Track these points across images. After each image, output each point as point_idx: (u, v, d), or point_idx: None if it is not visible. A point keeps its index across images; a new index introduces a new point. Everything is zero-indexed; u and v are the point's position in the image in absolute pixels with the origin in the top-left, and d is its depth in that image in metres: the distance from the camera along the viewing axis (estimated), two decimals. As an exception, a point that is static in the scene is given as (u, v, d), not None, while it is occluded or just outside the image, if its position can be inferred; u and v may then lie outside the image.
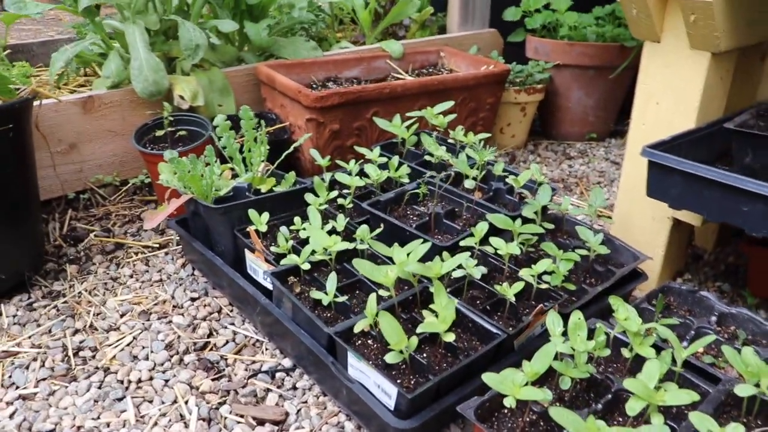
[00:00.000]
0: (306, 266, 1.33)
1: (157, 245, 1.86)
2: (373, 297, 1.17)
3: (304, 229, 1.44)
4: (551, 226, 1.54)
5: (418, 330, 1.12)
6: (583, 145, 2.74)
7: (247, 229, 1.48)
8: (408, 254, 1.20)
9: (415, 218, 1.58)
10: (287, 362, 1.40)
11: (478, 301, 1.33)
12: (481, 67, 2.38)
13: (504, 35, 2.93)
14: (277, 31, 2.47)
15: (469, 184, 1.67)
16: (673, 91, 1.57)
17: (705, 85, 1.52)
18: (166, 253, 1.83)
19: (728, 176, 1.25)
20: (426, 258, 1.28)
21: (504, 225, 1.44)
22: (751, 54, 1.74)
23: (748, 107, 1.62)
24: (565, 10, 2.69)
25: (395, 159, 1.71)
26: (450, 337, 1.10)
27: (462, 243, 1.39)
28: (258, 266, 1.44)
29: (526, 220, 1.52)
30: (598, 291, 1.41)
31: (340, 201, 1.60)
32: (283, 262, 1.35)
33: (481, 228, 1.39)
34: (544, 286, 1.32)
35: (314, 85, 2.25)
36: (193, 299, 1.63)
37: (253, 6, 2.27)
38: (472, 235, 1.40)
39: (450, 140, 1.90)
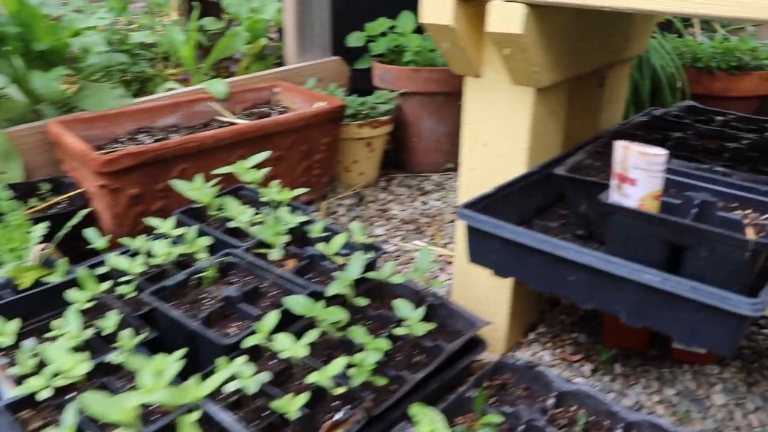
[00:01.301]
0: (46, 393, 1.05)
1: None
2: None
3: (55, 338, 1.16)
4: (365, 302, 1.31)
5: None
6: (440, 177, 2.54)
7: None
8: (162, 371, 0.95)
9: (207, 305, 1.32)
10: None
11: (262, 414, 1.08)
12: (315, 104, 2.15)
13: (351, 62, 2.72)
14: (84, 77, 2.17)
15: (275, 254, 1.43)
16: (500, 131, 1.38)
17: (533, 122, 1.33)
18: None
19: (547, 242, 1.05)
20: (208, 360, 1.04)
21: (303, 310, 1.20)
22: (588, 81, 1.56)
23: (585, 142, 1.45)
24: (410, 32, 2.50)
25: (193, 230, 1.45)
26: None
27: (246, 341, 1.14)
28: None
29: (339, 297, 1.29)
30: (418, 379, 1.18)
31: (121, 289, 1.33)
32: (19, 389, 1.07)
33: (269, 321, 1.15)
34: (344, 388, 1.09)
35: (120, 141, 1.97)
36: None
37: (45, 52, 1.97)
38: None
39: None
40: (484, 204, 1.22)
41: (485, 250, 1.17)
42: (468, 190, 1.45)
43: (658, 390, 1.44)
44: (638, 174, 0.95)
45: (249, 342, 1.14)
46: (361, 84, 2.64)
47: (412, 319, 1.26)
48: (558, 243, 1.03)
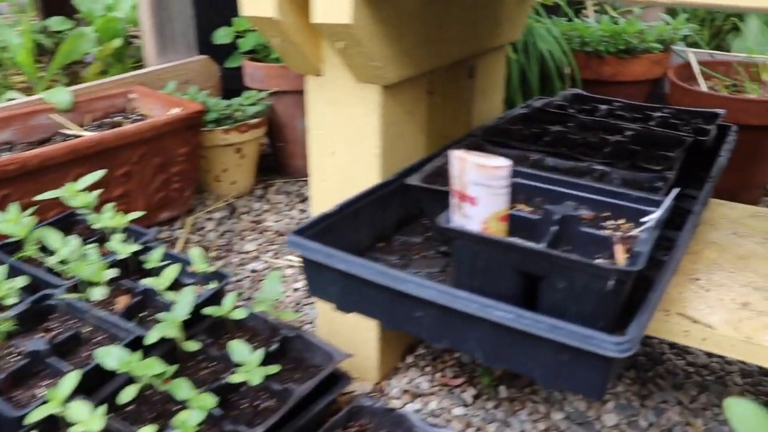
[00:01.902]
0: None
1: None
2: None
3: None
4: (196, 346, 1.11)
5: None
6: (322, 181, 2.34)
7: None
8: None
9: (11, 362, 1.10)
10: None
11: None
12: (172, 110, 1.92)
13: (222, 61, 2.49)
14: None
15: (98, 293, 1.21)
16: (348, 136, 1.19)
17: (383, 124, 1.15)
18: None
19: (384, 275, 0.86)
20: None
21: (117, 365, 1.00)
22: (456, 72, 1.39)
23: (451, 143, 1.27)
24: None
25: (1, 270, 1.22)
26: None
27: (32, 415, 0.92)
28: None
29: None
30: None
31: None
32: None
33: (65, 386, 0.94)
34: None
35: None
36: None
37: None
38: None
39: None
40: (324, 225, 1.03)
41: (323, 282, 0.98)
42: (321, 206, 1.26)
43: (545, 415, 1.29)
44: (478, 191, 0.78)
45: (36, 415, 0.92)
46: (233, 84, 2.42)
47: (249, 364, 1.07)
48: (396, 275, 0.85)
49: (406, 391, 1.37)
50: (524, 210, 0.93)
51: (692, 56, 2.29)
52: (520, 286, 0.80)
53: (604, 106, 1.59)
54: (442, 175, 1.17)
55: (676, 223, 1.08)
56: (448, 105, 1.43)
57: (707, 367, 1.45)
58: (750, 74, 2.20)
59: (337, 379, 1.22)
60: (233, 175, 2.17)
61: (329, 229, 1.05)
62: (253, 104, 2.15)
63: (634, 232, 0.82)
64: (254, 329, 1.32)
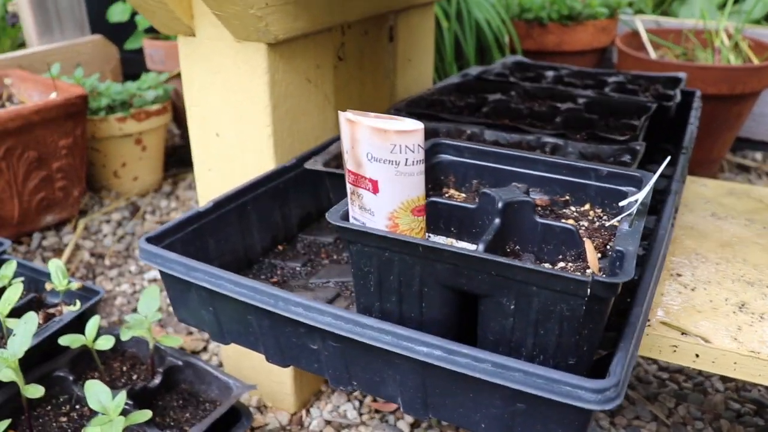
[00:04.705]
0: None
1: None
2: None
3: None
4: (37, 393, 0.84)
5: None
6: (238, 173, 2.07)
7: None
8: None
9: None
10: None
11: None
12: (50, 95, 1.63)
13: (122, 42, 2.20)
14: None
15: None
16: (233, 112, 0.93)
17: (274, 96, 0.89)
18: None
19: (264, 294, 0.60)
20: None
21: None
22: (374, 34, 1.14)
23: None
24: None
25: None
26: None
27: None
28: None
29: None
30: None
31: None
32: None
33: None
34: None
35: None
36: None
37: None
38: None
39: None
40: (195, 228, 0.77)
41: (190, 304, 0.72)
42: (207, 199, 0.99)
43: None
44: (380, 170, 0.52)
45: None
46: (136, 68, 2.14)
47: (109, 412, 0.80)
48: (278, 295, 0.59)
49: (328, 422, 1.12)
50: (455, 197, 0.68)
51: (640, 23, 2.09)
52: (453, 309, 0.55)
53: (550, 73, 1.36)
54: (354, 156, 0.92)
55: (654, 206, 0.86)
56: (367, 74, 1.18)
57: (683, 371, 1.23)
58: (701, 41, 2.00)
59: (239, 414, 0.97)
60: (135, 170, 1.89)
61: (202, 232, 0.79)
62: (152, 88, 1.86)
63: (613, 221, 0.58)
64: (135, 357, 1.06)
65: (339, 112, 0.51)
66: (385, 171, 0.51)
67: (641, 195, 0.55)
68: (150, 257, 0.69)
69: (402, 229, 0.54)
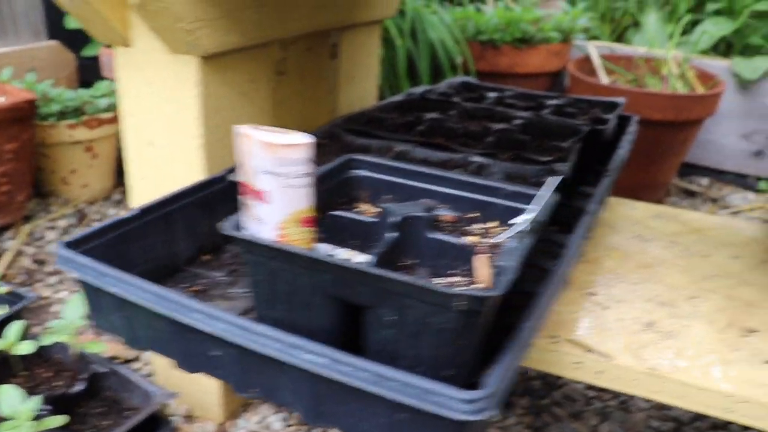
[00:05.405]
0: None
1: None
2: None
3: None
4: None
5: None
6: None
7: None
8: None
9: None
10: None
11: None
12: (-1, 100, 1.63)
13: (79, 49, 2.20)
14: None
15: None
16: (166, 122, 0.94)
17: (206, 108, 0.90)
18: None
19: (167, 300, 0.62)
20: None
21: None
22: (316, 50, 1.16)
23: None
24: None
25: None
26: None
27: None
28: None
29: None
30: None
31: None
32: None
33: None
34: None
35: None
36: None
37: None
38: None
39: None
40: (117, 234, 0.78)
41: (105, 309, 0.73)
42: (140, 209, 1.00)
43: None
44: (269, 182, 0.54)
45: None
46: (93, 75, 2.13)
47: (19, 417, 0.80)
48: (181, 302, 0.61)
49: (254, 433, 1.13)
50: (367, 212, 0.70)
51: (593, 49, 2.14)
52: (341, 319, 0.57)
53: (493, 94, 1.39)
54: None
55: (571, 226, 0.89)
56: (308, 90, 1.20)
57: (608, 389, 1.26)
58: (651, 68, 2.06)
59: (160, 423, 0.98)
60: (84, 177, 1.89)
61: (125, 238, 0.80)
62: (105, 95, 1.86)
63: (500, 238, 0.60)
64: (61, 364, 1.06)
65: (234, 126, 0.53)
66: (274, 183, 0.53)
67: (528, 215, 0.57)
68: (65, 262, 0.70)
69: (291, 239, 0.56)
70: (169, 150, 0.95)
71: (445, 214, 0.69)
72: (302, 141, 0.52)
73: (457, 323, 0.49)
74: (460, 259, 0.60)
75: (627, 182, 1.99)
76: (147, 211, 0.82)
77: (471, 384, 0.53)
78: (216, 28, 0.86)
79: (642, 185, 2.00)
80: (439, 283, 0.58)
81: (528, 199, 0.68)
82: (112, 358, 1.25)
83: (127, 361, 1.28)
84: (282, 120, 1.17)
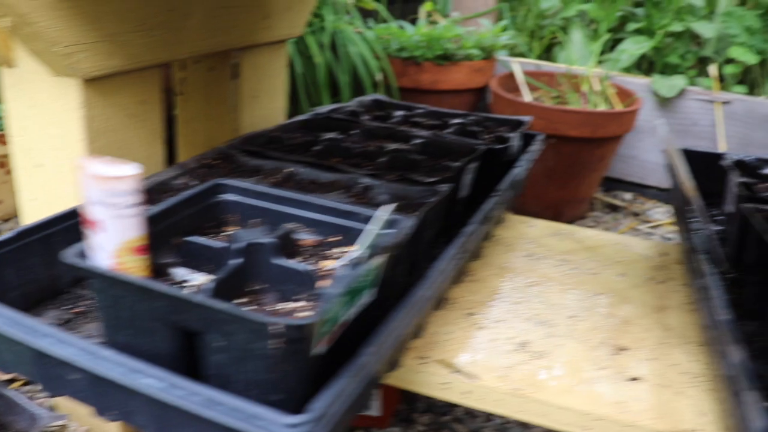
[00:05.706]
0: None
1: None
2: None
3: None
4: None
5: None
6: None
7: None
8: None
9: None
10: None
11: None
12: None
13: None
14: None
15: None
16: (53, 143, 0.94)
17: (90, 130, 0.91)
18: None
19: (19, 324, 0.62)
20: None
21: None
22: (219, 70, 1.17)
23: (200, 155, 1.05)
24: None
25: None
26: None
27: None
28: None
29: None
30: None
31: None
32: None
33: None
34: None
35: None
36: None
37: None
38: None
39: None
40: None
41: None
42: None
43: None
44: (102, 212, 0.56)
45: None
46: None
47: None
48: (33, 326, 0.61)
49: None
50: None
51: (516, 66, 2.18)
52: (181, 344, 0.58)
53: (401, 113, 1.41)
54: (166, 191, 0.94)
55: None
56: (212, 109, 1.21)
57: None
58: (573, 85, 2.11)
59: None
60: (-1, 194, 1.86)
61: (1, 261, 0.80)
62: (21, 111, 1.84)
63: (334, 264, 0.62)
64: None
65: (76, 158, 0.54)
66: (107, 212, 0.54)
67: (364, 242, 0.59)
68: None
69: (127, 267, 0.57)
70: (58, 172, 0.95)
71: (306, 238, 0.71)
72: (130, 173, 0.53)
73: (276, 350, 0.51)
74: (306, 284, 0.62)
75: (550, 198, 2.04)
76: (24, 233, 0.82)
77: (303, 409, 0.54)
78: (96, 51, 0.87)
79: (565, 200, 2.04)
80: (274, 309, 0.59)
81: (384, 224, 0.70)
82: (10, 381, 1.24)
83: (26, 383, 1.26)
84: (187, 139, 1.18)
